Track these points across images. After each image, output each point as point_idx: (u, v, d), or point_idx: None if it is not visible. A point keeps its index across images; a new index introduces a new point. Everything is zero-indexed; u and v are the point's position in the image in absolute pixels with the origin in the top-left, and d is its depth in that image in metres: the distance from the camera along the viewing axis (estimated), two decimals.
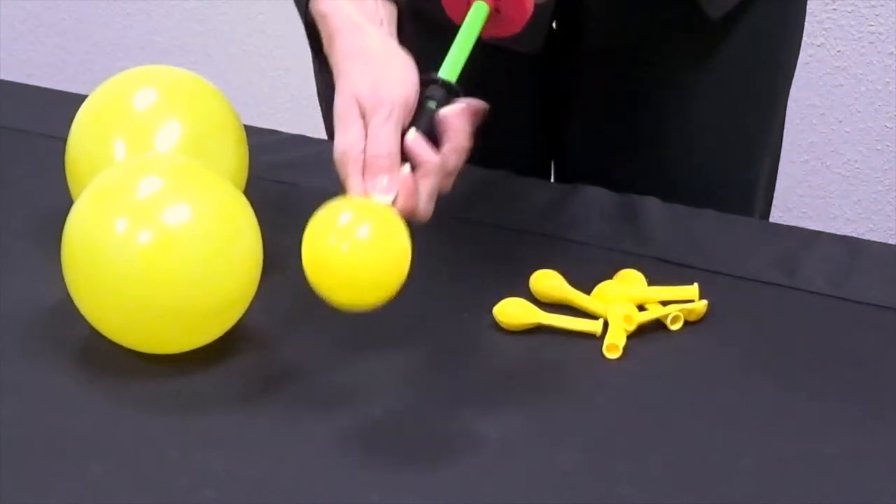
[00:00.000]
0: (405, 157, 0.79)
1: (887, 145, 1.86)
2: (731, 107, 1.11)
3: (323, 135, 1.18)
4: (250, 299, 0.85)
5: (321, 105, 1.21)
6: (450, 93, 0.82)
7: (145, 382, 0.83)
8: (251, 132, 1.00)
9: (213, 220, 0.82)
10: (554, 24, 1.07)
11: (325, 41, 0.86)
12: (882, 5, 1.82)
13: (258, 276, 0.84)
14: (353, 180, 0.78)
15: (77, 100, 0.98)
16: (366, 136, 0.79)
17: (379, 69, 0.81)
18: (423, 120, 0.81)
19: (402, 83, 0.81)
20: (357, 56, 0.82)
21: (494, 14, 0.85)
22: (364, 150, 0.79)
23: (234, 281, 0.83)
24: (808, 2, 1.16)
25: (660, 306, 0.89)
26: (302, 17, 0.89)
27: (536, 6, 0.85)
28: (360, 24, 0.84)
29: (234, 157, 0.96)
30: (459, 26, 0.85)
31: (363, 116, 0.80)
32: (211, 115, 0.95)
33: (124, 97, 0.94)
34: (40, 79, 2.33)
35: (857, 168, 1.88)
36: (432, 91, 0.82)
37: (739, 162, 1.14)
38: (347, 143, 0.79)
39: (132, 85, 0.95)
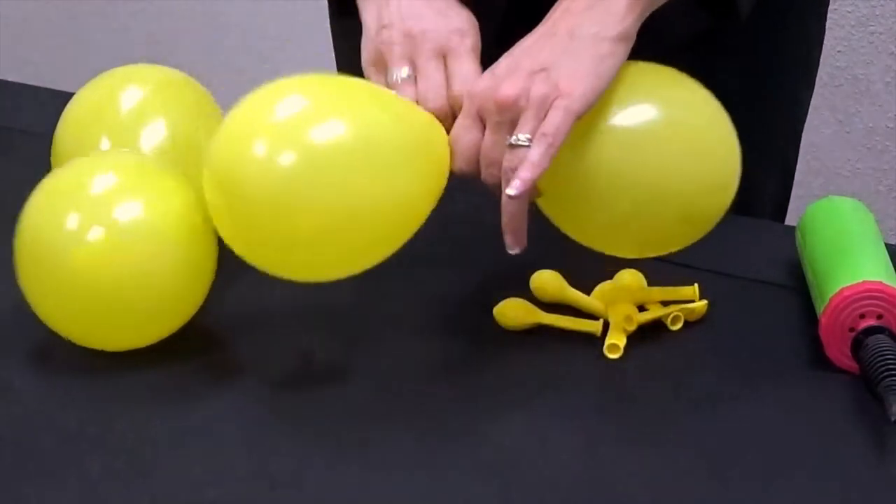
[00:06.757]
0: None
1: (887, 145, 1.86)
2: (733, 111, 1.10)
3: None
4: (203, 297, 0.85)
5: None
6: None
7: (146, 382, 0.83)
8: None
9: (165, 218, 0.81)
10: None
11: None
12: (882, 5, 1.81)
13: (212, 275, 0.84)
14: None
15: (66, 98, 0.97)
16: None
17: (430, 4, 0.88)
18: None
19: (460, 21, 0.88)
20: None
21: None
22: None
23: (186, 279, 0.83)
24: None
25: (660, 306, 0.89)
26: None
27: None
28: None
29: None
30: None
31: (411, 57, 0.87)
32: (196, 113, 0.95)
33: (110, 95, 0.94)
34: (40, 79, 2.33)
35: (857, 168, 1.88)
36: None
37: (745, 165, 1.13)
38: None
39: (118, 83, 0.95)
